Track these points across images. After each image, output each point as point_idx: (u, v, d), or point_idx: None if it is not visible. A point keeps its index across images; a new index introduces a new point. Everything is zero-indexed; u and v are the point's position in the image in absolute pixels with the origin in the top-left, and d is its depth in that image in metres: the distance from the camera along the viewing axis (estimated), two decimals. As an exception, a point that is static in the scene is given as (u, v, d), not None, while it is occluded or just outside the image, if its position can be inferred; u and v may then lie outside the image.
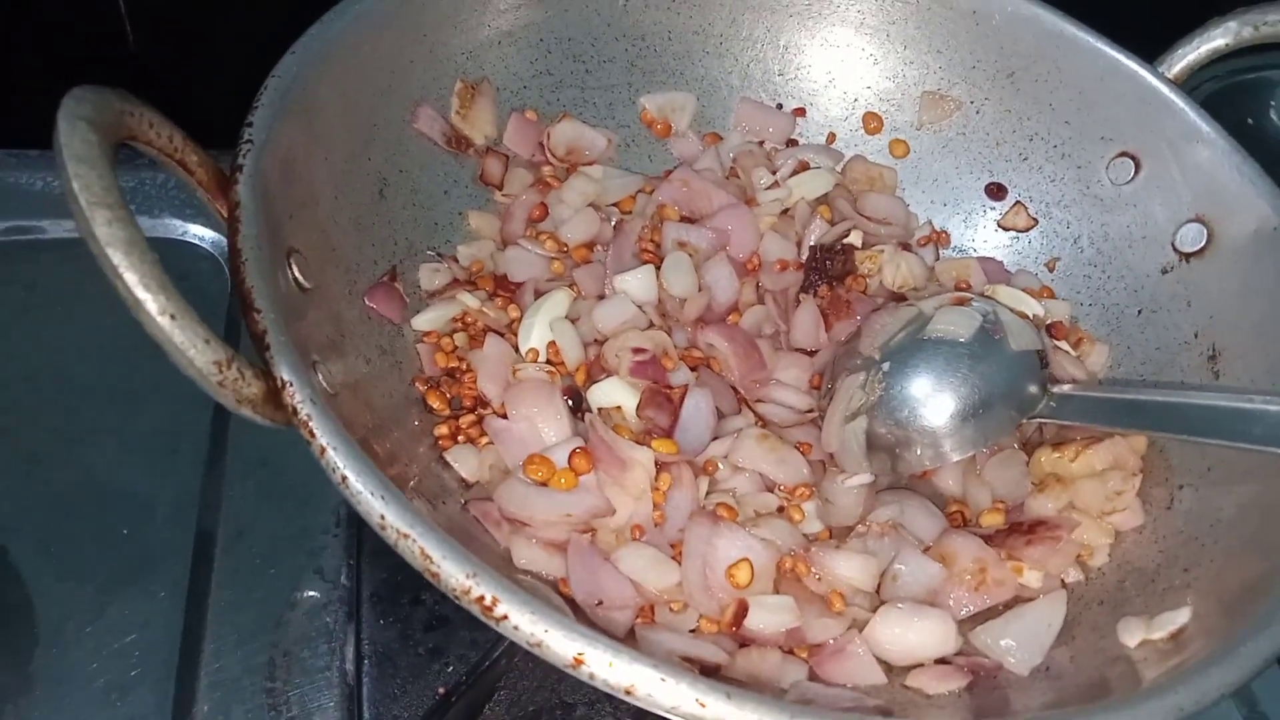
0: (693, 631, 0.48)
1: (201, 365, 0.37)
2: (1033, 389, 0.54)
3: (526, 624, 0.35)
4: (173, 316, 0.36)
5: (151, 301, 0.36)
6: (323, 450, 0.38)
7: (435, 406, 0.54)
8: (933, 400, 0.55)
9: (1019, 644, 0.47)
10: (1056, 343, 0.63)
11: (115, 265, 0.36)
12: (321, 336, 0.47)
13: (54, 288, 0.71)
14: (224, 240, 0.73)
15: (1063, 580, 0.52)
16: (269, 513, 0.60)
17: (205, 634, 0.55)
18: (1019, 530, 0.52)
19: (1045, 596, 0.50)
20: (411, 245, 0.60)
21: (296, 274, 0.47)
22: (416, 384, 0.55)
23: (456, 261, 0.62)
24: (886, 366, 0.56)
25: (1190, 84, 0.64)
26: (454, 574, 0.35)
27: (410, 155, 0.60)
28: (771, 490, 0.54)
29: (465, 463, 0.52)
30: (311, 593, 0.57)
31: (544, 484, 0.50)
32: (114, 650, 0.55)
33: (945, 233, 0.70)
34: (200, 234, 0.74)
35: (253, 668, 0.54)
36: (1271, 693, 0.60)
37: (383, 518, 0.37)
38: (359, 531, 0.59)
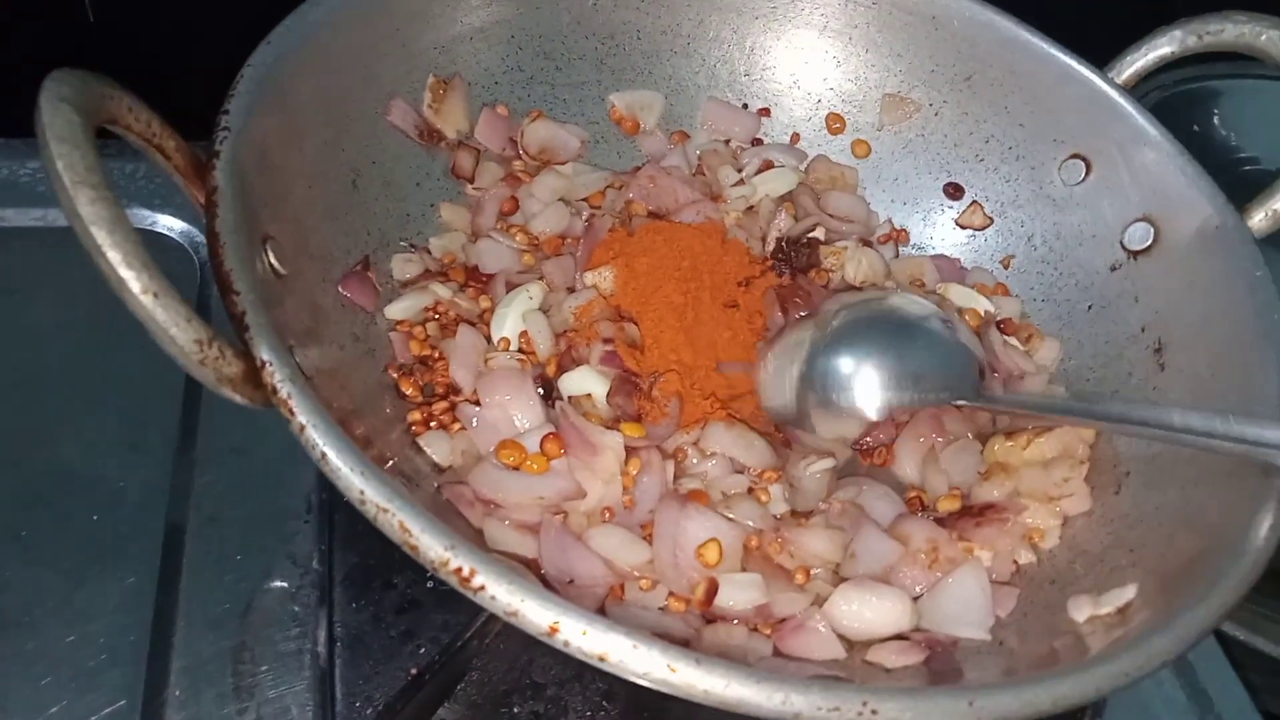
0: (661, 609, 0.49)
1: (183, 343, 0.38)
2: (967, 379, 0.56)
3: (504, 594, 0.35)
4: (155, 295, 0.37)
5: (135, 280, 0.37)
6: (302, 428, 0.38)
7: (408, 393, 0.55)
8: (871, 355, 0.57)
9: (963, 612, 0.49)
10: (1007, 338, 0.65)
11: (99, 244, 0.36)
12: (297, 322, 0.48)
13: (21, 277, 0.70)
14: (193, 231, 0.75)
15: (1016, 561, 0.54)
16: (240, 499, 0.60)
17: (176, 619, 0.55)
18: (970, 513, 0.54)
19: (962, 566, 0.51)
20: (384, 236, 0.60)
21: (272, 260, 0.48)
22: (389, 371, 0.56)
23: (429, 253, 0.63)
24: (836, 321, 0.58)
25: (1139, 92, 0.66)
26: (433, 546, 0.36)
27: (383, 147, 0.61)
28: (741, 473, 0.55)
29: (438, 448, 0.53)
30: (283, 578, 0.57)
31: (516, 468, 0.51)
32: (84, 636, 0.55)
33: (905, 230, 0.73)
34: (170, 224, 0.74)
35: (224, 652, 0.54)
36: (1211, 670, 0.62)
37: (362, 493, 0.37)
38: (331, 518, 0.59)
